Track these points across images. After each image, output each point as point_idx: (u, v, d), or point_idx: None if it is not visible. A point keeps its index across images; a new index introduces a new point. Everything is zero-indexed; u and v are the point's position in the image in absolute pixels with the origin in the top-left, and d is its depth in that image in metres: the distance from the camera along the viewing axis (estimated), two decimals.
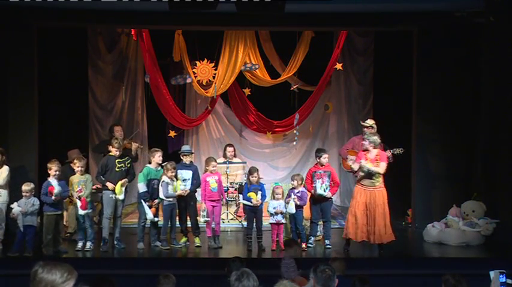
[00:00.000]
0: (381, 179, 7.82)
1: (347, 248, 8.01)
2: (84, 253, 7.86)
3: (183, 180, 8.28)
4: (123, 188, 8.10)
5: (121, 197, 8.06)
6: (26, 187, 7.77)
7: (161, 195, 8.12)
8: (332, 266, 4.26)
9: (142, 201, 8.14)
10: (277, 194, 8.12)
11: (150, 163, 8.40)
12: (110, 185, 8.04)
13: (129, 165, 8.30)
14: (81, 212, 7.86)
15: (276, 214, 8.01)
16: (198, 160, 11.49)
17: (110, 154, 8.23)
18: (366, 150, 7.87)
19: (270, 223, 8.10)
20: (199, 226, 8.41)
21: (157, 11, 8.91)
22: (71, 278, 2.73)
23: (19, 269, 7.03)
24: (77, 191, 7.86)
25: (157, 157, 8.28)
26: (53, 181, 7.72)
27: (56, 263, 2.76)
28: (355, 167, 7.93)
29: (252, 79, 11.45)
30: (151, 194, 8.15)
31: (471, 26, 8.93)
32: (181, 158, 8.52)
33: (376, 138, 7.85)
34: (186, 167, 8.42)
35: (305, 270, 4.32)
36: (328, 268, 4.10)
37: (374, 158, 7.77)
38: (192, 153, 8.71)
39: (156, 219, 8.15)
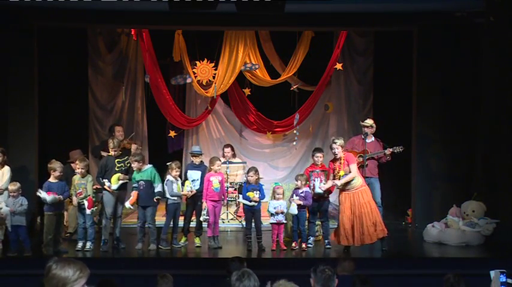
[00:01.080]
0: (360, 179, 7.89)
1: (347, 249, 8.00)
2: (84, 253, 7.84)
3: (192, 181, 8.30)
4: (120, 182, 8.10)
5: (114, 187, 8.06)
6: (13, 186, 7.77)
7: (166, 194, 8.15)
8: (341, 266, 4.23)
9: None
10: (277, 194, 8.11)
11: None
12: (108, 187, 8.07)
13: (128, 165, 8.31)
14: (89, 211, 7.89)
15: (277, 213, 8.01)
16: None
17: (109, 154, 8.27)
18: (335, 160, 7.94)
19: (271, 223, 8.10)
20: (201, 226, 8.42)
21: (157, 11, 8.91)
22: (82, 277, 2.71)
23: (19, 269, 7.04)
24: (77, 194, 7.87)
25: (133, 164, 8.23)
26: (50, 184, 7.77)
27: (70, 260, 2.74)
28: (329, 184, 7.96)
29: (252, 79, 11.44)
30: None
31: (471, 26, 8.93)
32: (191, 158, 8.59)
33: (340, 139, 7.97)
34: (196, 167, 8.44)
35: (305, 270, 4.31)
36: (328, 268, 4.08)
37: (343, 164, 7.84)
38: (202, 154, 8.72)
39: (127, 206, 8.13)
